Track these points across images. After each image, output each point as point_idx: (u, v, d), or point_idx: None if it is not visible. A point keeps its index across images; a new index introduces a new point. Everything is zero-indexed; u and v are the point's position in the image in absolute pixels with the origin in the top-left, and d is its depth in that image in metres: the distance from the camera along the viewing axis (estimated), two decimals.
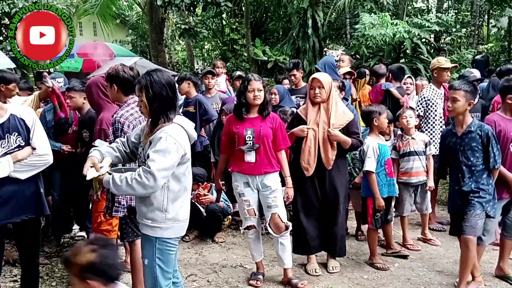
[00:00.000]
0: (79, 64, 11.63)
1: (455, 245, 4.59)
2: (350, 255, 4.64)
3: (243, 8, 13.31)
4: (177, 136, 2.65)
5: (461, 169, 3.75)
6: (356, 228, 5.23)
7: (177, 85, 6.28)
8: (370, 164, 4.28)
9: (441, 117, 5.38)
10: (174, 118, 2.73)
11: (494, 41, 15.46)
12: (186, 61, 19.14)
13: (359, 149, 4.36)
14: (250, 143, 3.89)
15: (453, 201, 3.92)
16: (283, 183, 4.06)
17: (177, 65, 17.93)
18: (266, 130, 3.91)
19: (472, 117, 3.83)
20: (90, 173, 2.70)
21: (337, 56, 7.39)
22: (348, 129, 4.11)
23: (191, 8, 12.71)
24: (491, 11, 14.49)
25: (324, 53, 11.52)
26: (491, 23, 15.41)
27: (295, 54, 11.26)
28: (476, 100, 4.99)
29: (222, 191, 4.70)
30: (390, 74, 6.55)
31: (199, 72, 14.20)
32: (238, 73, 7.48)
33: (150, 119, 2.76)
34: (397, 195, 4.61)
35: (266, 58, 12.94)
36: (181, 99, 6.63)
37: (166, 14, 15.41)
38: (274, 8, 14.14)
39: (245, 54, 13.84)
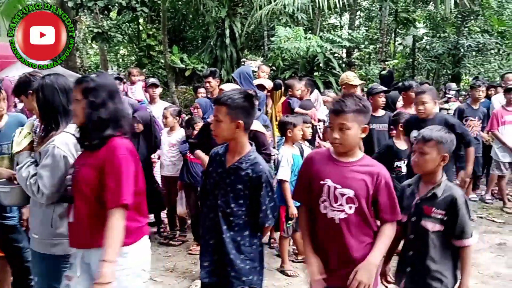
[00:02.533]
0: None
1: None
2: None
3: (160, 14, 13.09)
4: (66, 148, 2.49)
5: (217, 216, 2.60)
6: (269, 236, 5.26)
7: None
8: (283, 173, 4.33)
9: None
10: (66, 126, 2.55)
11: (400, 58, 16.60)
12: (100, 66, 18.42)
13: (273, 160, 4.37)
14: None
15: (207, 271, 2.66)
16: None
17: (90, 70, 17.20)
18: (85, 171, 2.28)
19: (251, 144, 2.63)
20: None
21: (256, 66, 7.42)
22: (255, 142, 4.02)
23: (105, 12, 12.27)
24: (397, 30, 15.52)
25: (242, 63, 11.65)
26: (397, 41, 16.51)
27: (213, 63, 11.26)
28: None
29: None
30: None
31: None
32: (152, 80, 7.08)
33: (41, 125, 2.60)
34: None
35: (184, 66, 12.78)
36: None
37: (78, 17, 14.75)
38: (192, 16, 14.05)
39: (162, 61, 13.58)
